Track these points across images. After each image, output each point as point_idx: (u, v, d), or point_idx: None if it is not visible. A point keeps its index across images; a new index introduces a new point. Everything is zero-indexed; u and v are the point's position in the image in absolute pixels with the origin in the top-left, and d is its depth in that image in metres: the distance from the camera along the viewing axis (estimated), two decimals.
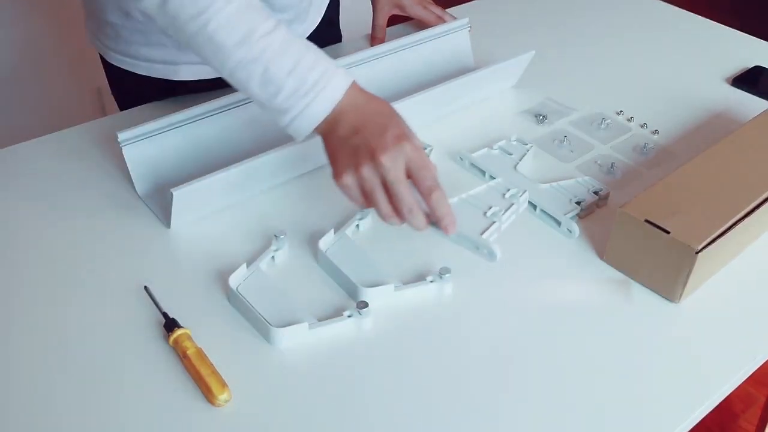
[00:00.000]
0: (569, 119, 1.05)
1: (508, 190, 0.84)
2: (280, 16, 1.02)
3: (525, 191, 0.84)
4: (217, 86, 1.03)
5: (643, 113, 1.07)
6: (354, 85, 0.77)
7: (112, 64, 1.01)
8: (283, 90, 0.74)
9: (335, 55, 1.03)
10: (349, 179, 0.75)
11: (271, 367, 0.70)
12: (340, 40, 1.22)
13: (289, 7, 1.02)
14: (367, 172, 0.74)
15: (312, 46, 0.76)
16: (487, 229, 0.81)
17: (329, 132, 0.76)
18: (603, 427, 0.67)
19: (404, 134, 0.74)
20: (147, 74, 1.00)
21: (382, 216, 0.76)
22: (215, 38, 0.73)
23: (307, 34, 1.09)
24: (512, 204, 0.83)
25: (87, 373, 0.69)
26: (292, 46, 0.74)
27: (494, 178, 0.91)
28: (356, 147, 0.74)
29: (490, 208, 0.83)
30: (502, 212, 0.82)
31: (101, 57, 1.04)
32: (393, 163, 0.73)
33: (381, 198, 0.75)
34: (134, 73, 1.00)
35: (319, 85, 0.74)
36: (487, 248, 0.79)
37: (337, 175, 0.76)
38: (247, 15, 0.74)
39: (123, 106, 1.10)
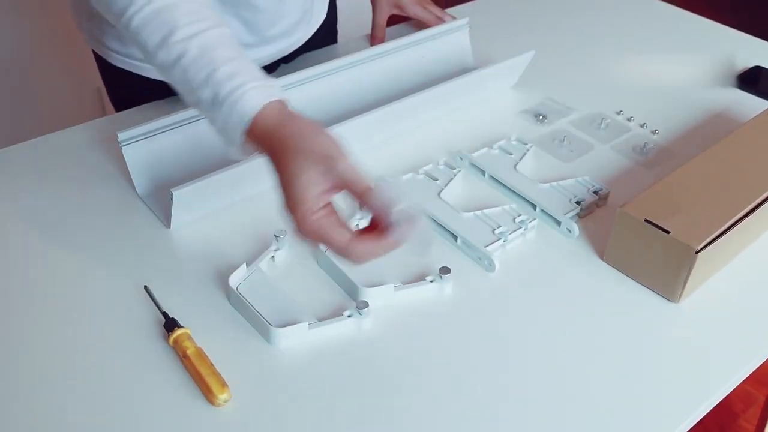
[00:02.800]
0: (569, 119, 1.05)
1: (519, 215, 0.86)
2: (285, 21, 1.02)
3: (534, 219, 0.85)
4: None
5: (643, 113, 1.07)
6: (272, 107, 0.66)
7: (114, 66, 1.01)
8: (201, 100, 0.68)
9: (332, 56, 1.03)
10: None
11: (271, 367, 0.70)
12: (336, 42, 1.22)
13: (293, 11, 1.03)
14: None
15: (239, 56, 0.69)
16: (492, 243, 0.82)
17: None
18: (603, 427, 0.67)
19: (294, 203, 0.63)
20: (152, 77, 1.00)
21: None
22: (138, 38, 0.70)
23: (309, 37, 1.09)
24: (520, 228, 0.84)
25: (87, 372, 0.69)
26: (211, 52, 0.67)
27: (497, 181, 0.92)
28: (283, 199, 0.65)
29: (500, 227, 0.84)
30: (510, 232, 0.83)
31: (99, 59, 1.03)
32: (303, 239, 0.64)
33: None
34: (135, 75, 1.00)
35: (233, 96, 0.66)
36: (488, 259, 0.80)
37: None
38: (168, 14, 0.69)
39: (120, 107, 1.09)
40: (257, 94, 0.66)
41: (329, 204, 0.64)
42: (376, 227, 0.64)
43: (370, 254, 0.64)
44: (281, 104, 0.67)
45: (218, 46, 0.68)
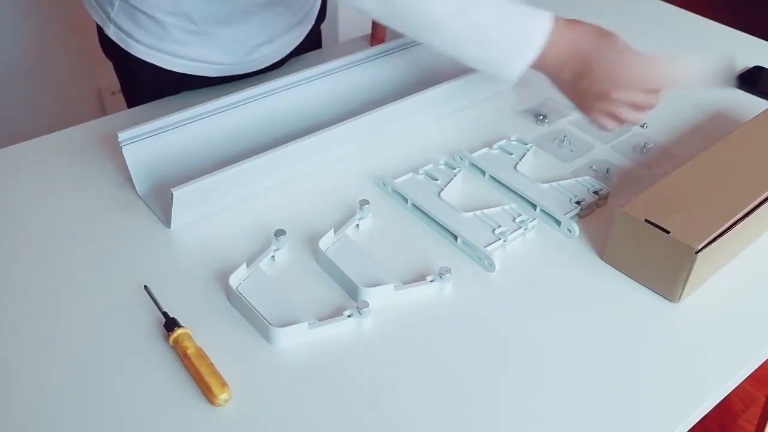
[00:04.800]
0: (569, 119, 1.05)
1: (519, 215, 0.86)
2: (291, 19, 1.03)
3: (535, 219, 0.86)
4: (222, 81, 1.04)
5: None
6: (556, 25, 0.83)
7: (134, 58, 1.01)
8: (498, 44, 0.82)
9: (332, 57, 1.03)
10: (597, 119, 0.87)
11: (271, 367, 0.70)
12: (321, 47, 1.23)
13: (299, 8, 1.05)
14: (606, 109, 0.85)
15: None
16: (492, 243, 0.82)
17: (550, 75, 0.86)
18: (603, 427, 0.67)
19: (605, 90, 0.83)
20: (181, 71, 1.01)
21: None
22: (428, 14, 0.81)
23: (302, 38, 1.10)
24: (520, 228, 0.84)
25: (87, 372, 0.69)
26: (497, 4, 0.82)
27: (497, 181, 0.92)
28: (583, 92, 0.85)
29: (500, 227, 0.84)
30: (510, 232, 0.83)
31: (119, 52, 1.03)
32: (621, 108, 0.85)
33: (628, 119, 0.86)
34: (153, 67, 1.01)
35: (533, 28, 0.82)
36: (488, 259, 0.80)
37: (585, 114, 0.88)
38: None
39: (132, 98, 1.10)
40: (547, 16, 0.82)
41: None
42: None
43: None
44: (556, 24, 0.83)
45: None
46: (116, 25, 1.00)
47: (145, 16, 0.96)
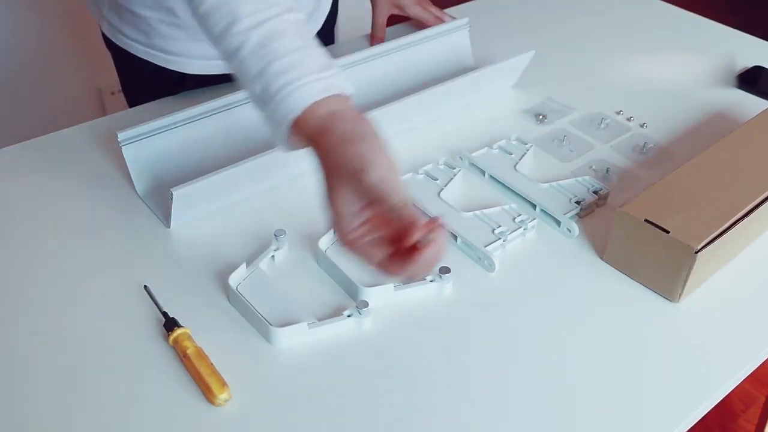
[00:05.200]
0: (569, 119, 1.05)
1: (519, 215, 0.86)
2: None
3: (534, 219, 0.86)
4: (226, 80, 1.04)
5: (643, 113, 1.07)
6: (315, 109, 0.64)
7: (134, 57, 1.01)
8: (253, 93, 0.67)
9: (331, 56, 1.03)
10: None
11: (271, 367, 0.70)
12: (333, 43, 1.23)
13: (305, 4, 1.04)
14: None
15: (299, 47, 0.67)
16: (492, 243, 0.82)
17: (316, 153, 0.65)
18: (603, 426, 0.67)
19: (333, 219, 0.63)
20: (175, 69, 1.01)
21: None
22: (204, 25, 0.70)
23: (316, 32, 1.10)
24: (520, 227, 0.84)
25: (87, 372, 0.69)
26: (269, 45, 0.66)
27: (497, 181, 0.92)
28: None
29: (499, 227, 0.84)
30: (509, 232, 0.83)
31: (118, 50, 1.03)
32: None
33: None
34: (156, 66, 1.01)
35: (280, 95, 0.64)
36: (488, 259, 0.80)
37: None
38: (235, 2, 0.67)
39: (136, 99, 1.10)
40: (305, 92, 0.64)
41: (370, 219, 0.63)
42: (402, 239, 0.62)
43: (407, 273, 0.63)
44: (330, 102, 0.64)
45: (279, 37, 0.66)
46: (108, 22, 1.00)
47: (129, 12, 0.96)
